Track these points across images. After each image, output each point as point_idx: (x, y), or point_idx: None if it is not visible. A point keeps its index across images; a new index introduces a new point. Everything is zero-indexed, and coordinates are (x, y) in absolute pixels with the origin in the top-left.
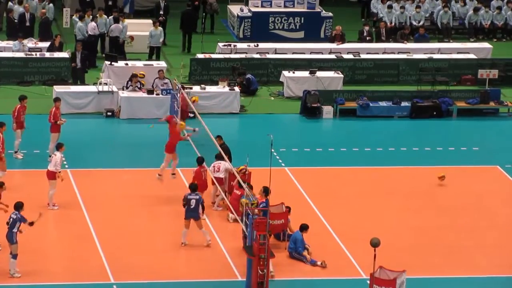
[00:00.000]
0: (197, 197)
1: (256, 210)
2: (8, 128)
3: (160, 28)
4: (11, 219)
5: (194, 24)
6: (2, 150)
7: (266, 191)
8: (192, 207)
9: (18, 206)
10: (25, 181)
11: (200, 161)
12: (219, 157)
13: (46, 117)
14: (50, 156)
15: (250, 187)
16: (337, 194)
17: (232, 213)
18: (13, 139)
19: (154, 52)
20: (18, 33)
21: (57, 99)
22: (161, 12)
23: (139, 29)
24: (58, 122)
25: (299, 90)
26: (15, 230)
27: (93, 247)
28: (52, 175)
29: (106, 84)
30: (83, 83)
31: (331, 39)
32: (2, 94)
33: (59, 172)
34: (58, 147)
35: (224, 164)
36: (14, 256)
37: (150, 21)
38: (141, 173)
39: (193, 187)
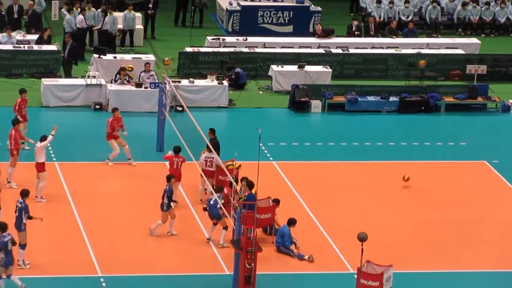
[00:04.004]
0: (166, 187)
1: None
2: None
3: (133, 12)
4: (17, 208)
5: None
6: (15, 147)
7: (249, 184)
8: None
9: (24, 194)
10: (14, 174)
11: (177, 150)
12: (209, 149)
13: (34, 109)
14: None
15: (237, 181)
16: (325, 189)
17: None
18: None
19: (126, 36)
20: (6, 25)
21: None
22: (150, 6)
23: None
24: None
25: (288, 84)
26: (23, 219)
27: (81, 240)
28: (41, 167)
29: (94, 77)
30: (68, 75)
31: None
32: None
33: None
34: (42, 139)
35: (216, 159)
36: (22, 247)
37: (139, 14)
38: (129, 166)
39: (168, 178)
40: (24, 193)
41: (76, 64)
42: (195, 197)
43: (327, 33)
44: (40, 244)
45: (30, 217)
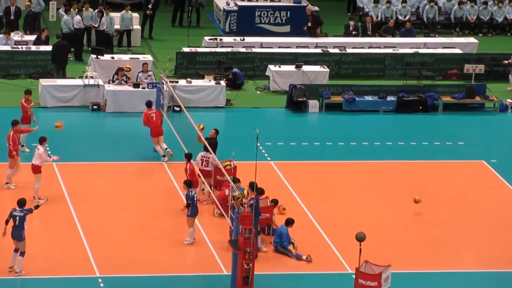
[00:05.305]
0: (191, 193)
1: (244, 205)
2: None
3: (130, 12)
4: (18, 217)
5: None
6: (13, 148)
7: (251, 186)
8: (196, 203)
9: (22, 203)
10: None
11: (189, 156)
12: (206, 149)
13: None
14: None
15: (238, 181)
16: (323, 188)
17: (218, 208)
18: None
19: (123, 36)
20: (3, 27)
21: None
22: (150, 6)
23: None
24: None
25: (285, 84)
26: (25, 227)
27: (79, 241)
28: (36, 169)
29: (92, 77)
30: (58, 75)
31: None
32: None
33: (52, 159)
34: (41, 140)
35: (212, 159)
36: (22, 254)
37: (137, 14)
38: (127, 166)
39: (189, 183)
40: (22, 203)
41: (66, 63)
42: None
43: (317, 22)
44: (38, 245)
45: (37, 206)
